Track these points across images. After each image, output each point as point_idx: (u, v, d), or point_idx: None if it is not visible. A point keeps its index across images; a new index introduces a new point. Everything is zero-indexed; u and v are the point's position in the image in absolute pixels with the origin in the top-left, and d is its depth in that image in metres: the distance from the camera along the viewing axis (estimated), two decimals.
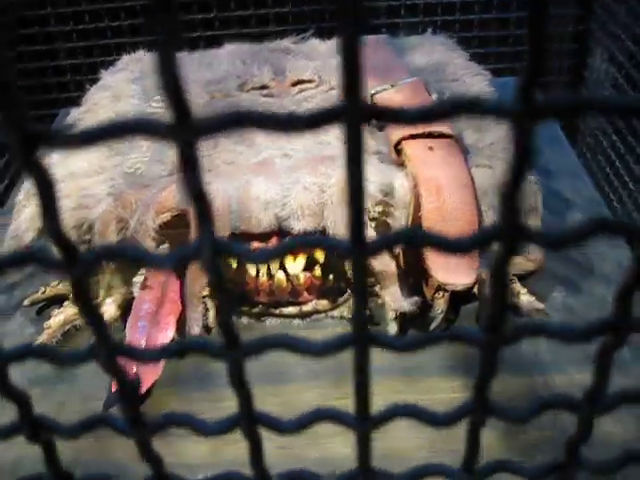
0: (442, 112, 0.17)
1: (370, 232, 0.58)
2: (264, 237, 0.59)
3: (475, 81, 0.71)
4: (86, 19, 1.07)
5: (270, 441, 0.26)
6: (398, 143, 0.60)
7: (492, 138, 0.62)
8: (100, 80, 0.78)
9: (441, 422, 0.23)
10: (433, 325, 0.60)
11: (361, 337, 0.20)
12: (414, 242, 0.20)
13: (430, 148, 0.59)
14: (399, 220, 0.58)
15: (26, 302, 0.66)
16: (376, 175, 0.58)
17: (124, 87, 0.75)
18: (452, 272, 0.56)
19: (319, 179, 0.58)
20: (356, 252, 0.19)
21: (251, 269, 0.60)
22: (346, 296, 0.64)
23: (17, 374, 0.61)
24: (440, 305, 0.60)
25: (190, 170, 0.17)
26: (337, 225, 0.57)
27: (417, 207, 0.57)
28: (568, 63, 1.11)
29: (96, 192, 0.59)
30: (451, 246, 0.20)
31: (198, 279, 0.59)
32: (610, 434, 0.52)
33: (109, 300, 0.64)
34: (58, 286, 0.66)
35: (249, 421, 0.22)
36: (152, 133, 0.17)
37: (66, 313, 0.64)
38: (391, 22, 1.08)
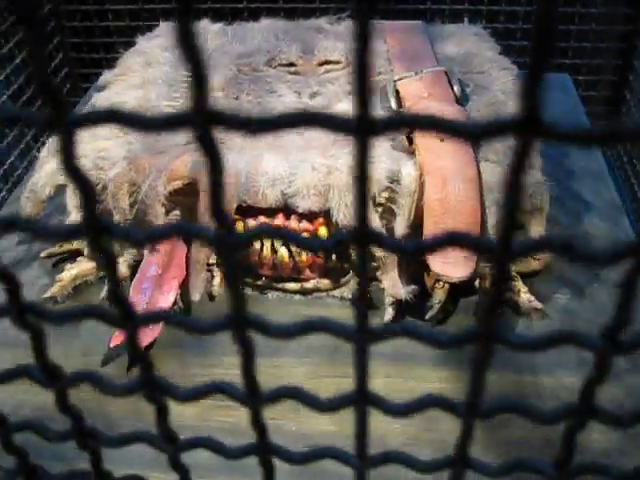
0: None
1: (375, 219, 0.59)
2: (270, 212, 0.60)
3: (500, 75, 0.70)
4: None
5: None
6: (410, 131, 0.60)
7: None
8: (136, 45, 0.80)
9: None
10: (429, 314, 0.61)
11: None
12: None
13: (441, 139, 0.59)
14: (404, 208, 0.58)
15: (43, 254, 0.69)
16: (385, 162, 0.58)
17: (157, 54, 0.77)
18: (449, 264, 0.56)
19: (328, 160, 0.59)
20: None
21: (255, 242, 0.61)
22: (348, 277, 0.64)
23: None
24: (439, 295, 0.60)
25: (209, 155, 0.18)
26: (341, 207, 0.57)
27: (421, 196, 0.57)
28: (614, 62, 1.08)
29: (112, 155, 0.61)
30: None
31: (203, 247, 0.61)
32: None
33: (120, 260, 0.66)
34: (75, 242, 0.69)
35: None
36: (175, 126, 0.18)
37: (79, 268, 0.66)
38: (437, 8, 1.07)
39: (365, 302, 0.21)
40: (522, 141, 0.17)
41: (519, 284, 0.63)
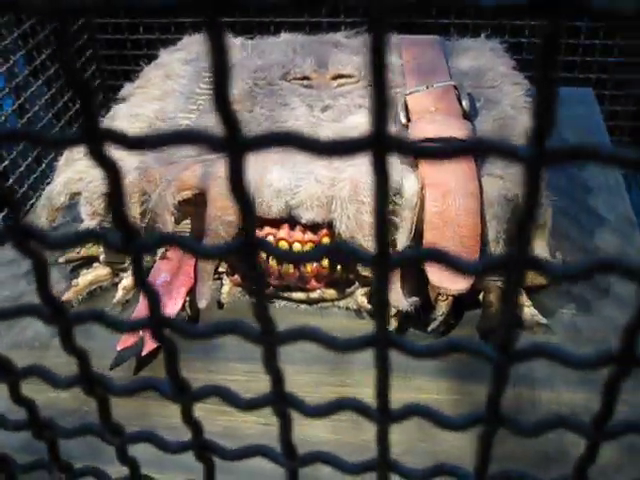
0: (462, 149, 0.19)
1: None
2: (275, 223, 0.61)
3: (511, 90, 0.71)
4: None
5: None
6: None
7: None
8: (158, 58, 0.83)
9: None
10: (431, 326, 0.61)
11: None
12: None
13: None
14: (405, 221, 0.59)
15: (61, 259, 0.71)
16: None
17: (177, 67, 0.79)
18: (448, 276, 0.57)
19: (331, 172, 0.60)
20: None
21: (262, 252, 0.62)
22: (353, 288, 0.65)
23: (39, 325, 0.67)
24: (442, 308, 0.61)
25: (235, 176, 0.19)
26: (343, 219, 0.58)
27: (422, 209, 0.58)
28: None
29: (125, 165, 0.63)
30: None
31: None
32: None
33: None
34: (92, 248, 0.71)
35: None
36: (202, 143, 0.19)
37: (94, 274, 0.69)
38: (461, 23, 1.08)
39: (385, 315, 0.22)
40: (529, 171, 0.18)
41: (523, 298, 0.63)
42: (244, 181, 0.20)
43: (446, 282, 0.56)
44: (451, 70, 0.76)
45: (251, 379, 0.60)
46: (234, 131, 0.18)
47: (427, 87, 0.70)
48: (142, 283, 0.23)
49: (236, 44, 0.83)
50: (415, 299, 0.60)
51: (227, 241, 0.62)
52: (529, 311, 0.62)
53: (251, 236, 0.21)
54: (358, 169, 0.60)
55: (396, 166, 0.61)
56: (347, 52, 0.78)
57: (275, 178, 0.60)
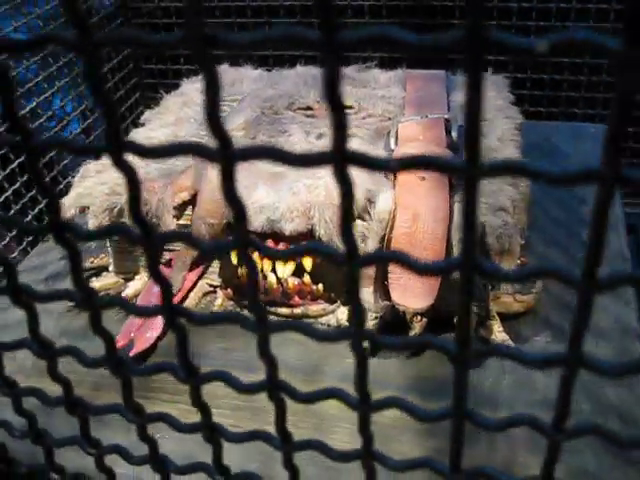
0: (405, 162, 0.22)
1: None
2: (260, 237, 0.66)
3: (502, 123, 0.74)
4: None
5: None
6: None
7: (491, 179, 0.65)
8: (180, 87, 0.89)
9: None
10: None
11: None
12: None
13: (422, 178, 0.63)
14: (373, 233, 0.62)
15: None
16: (366, 182, 0.63)
17: (195, 95, 0.85)
18: (409, 295, 0.60)
19: (308, 180, 0.64)
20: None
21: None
22: (334, 306, 0.69)
23: (50, 325, 0.73)
24: (415, 329, 0.64)
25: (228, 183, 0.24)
26: (322, 223, 0.62)
27: (392, 229, 0.61)
28: None
29: None
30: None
31: (189, 250, 0.68)
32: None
33: (138, 276, 0.74)
34: (103, 259, 0.77)
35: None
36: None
37: (103, 282, 0.75)
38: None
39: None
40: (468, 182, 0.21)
41: (495, 323, 0.65)
42: (234, 188, 0.23)
43: (406, 300, 0.59)
44: (451, 103, 0.79)
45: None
46: (224, 142, 0.22)
47: (421, 118, 0.73)
48: (156, 274, 0.27)
49: (252, 75, 0.89)
50: (386, 303, 0.62)
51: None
52: (500, 336, 0.64)
53: (243, 234, 0.24)
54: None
55: (377, 179, 0.64)
56: (351, 85, 0.83)
57: (261, 196, 0.65)
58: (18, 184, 0.97)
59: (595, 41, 0.17)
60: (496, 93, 0.80)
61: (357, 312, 0.24)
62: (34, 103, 1.01)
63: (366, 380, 0.26)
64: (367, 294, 0.63)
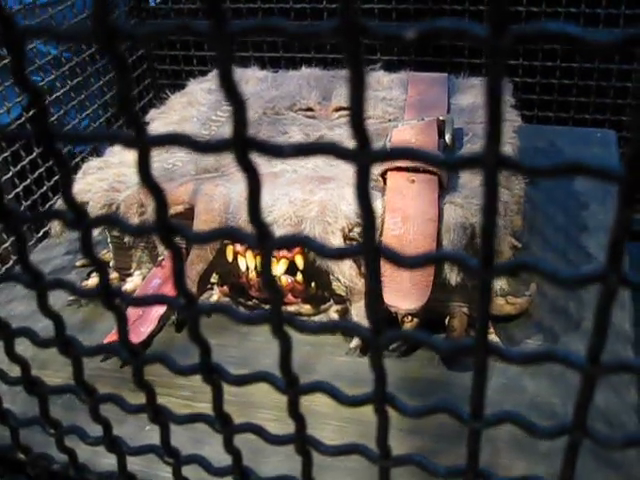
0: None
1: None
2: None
3: None
4: None
5: None
6: (385, 172, 0.65)
7: (480, 180, 0.65)
8: (186, 87, 0.90)
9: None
10: (393, 345, 0.65)
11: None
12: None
13: (412, 181, 0.64)
14: None
15: (77, 263, 0.79)
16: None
17: (200, 95, 0.87)
18: (400, 296, 0.60)
19: (305, 195, 0.65)
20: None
21: (242, 264, 0.68)
22: (327, 305, 0.69)
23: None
24: (406, 329, 0.64)
25: None
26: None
27: (381, 233, 0.62)
28: None
29: (128, 180, 0.70)
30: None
31: (195, 265, 0.68)
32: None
33: (137, 272, 0.75)
34: (105, 255, 0.78)
35: None
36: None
37: None
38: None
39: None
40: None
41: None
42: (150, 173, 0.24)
43: (397, 301, 0.60)
44: (451, 106, 0.80)
45: None
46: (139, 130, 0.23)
47: (418, 121, 0.74)
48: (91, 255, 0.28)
49: (257, 76, 0.90)
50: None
51: (209, 252, 0.68)
52: (491, 338, 0.64)
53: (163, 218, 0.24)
54: (329, 193, 0.64)
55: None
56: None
57: None
58: (29, 181, 0.99)
59: (461, 29, 0.18)
60: None
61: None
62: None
63: (290, 365, 0.26)
64: (358, 308, 0.64)
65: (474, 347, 0.23)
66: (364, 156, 0.21)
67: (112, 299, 0.28)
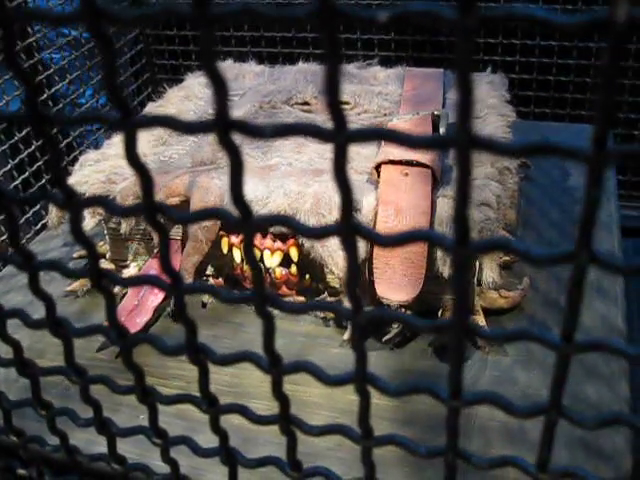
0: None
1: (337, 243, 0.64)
2: None
3: (494, 120, 0.74)
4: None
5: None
6: (379, 166, 0.65)
7: (474, 175, 0.66)
8: (184, 81, 0.91)
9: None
10: (386, 337, 0.65)
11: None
12: None
13: (406, 174, 0.64)
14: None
15: (74, 255, 0.80)
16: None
17: (197, 90, 0.87)
18: (392, 288, 0.60)
19: (299, 187, 0.65)
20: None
21: (236, 256, 0.68)
22: (321, 297, 0.70)
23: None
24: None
25: None
26: None
27: (374, 226, 0.62)
28: None
29: (125, 171, 0.71)
30: None
31: (191, 256, 0.69)
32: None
33: (133, 264, 0.76)
34: (102, 247, 0.79)
35: None
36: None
37: None
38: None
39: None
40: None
41: (480, 318, 0.66)
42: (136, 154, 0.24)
43: (389, 293, 0.60)
44: (447, 101, 0.80)
45: None
46: (126, 112, 0.24)
47: (413, 115, 0.74)
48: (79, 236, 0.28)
49: (254, 70, 0.90)
50: (372, 308, 0.63)
51: (205, 244, 0.68)
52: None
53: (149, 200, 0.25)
54: (323, 185, 0.65)
55: (360, 185, 0.65)
56: (349, 81, 0.84)
57: (250, 189, 0.66)
58: (27, 173, 1.00)
59: (432, 11, 0.18)
60: (491, 91, 0.81)
61: None
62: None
63: (273, 345, 0.27)
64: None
65: (451, 325, 0.23)
66: (341, 136, 0.21)
67: (100, 279, 0.29)
